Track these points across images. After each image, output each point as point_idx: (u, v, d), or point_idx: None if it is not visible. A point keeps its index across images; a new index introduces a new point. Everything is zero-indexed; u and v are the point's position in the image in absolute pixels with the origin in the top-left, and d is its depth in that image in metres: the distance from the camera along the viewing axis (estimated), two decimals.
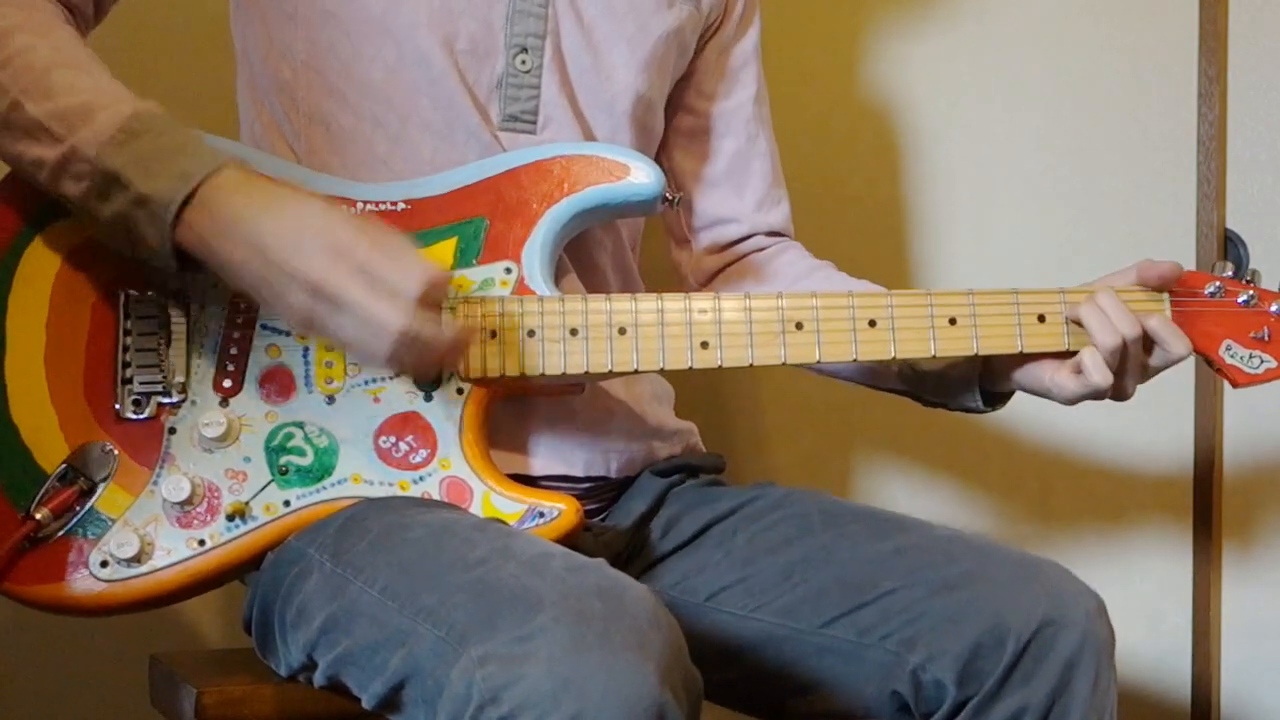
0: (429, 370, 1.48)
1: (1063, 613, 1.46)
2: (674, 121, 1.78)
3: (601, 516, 1.65)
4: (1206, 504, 2.37)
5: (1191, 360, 1.60)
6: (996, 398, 1.68)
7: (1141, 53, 2.38)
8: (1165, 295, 1.61)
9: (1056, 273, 2.30)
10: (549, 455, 1.60)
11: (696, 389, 1.88)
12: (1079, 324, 1.58)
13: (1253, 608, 2.38)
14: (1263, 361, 1.61)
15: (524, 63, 1.60)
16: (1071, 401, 1.60)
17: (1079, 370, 1.57)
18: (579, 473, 1.62)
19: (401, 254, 1.39)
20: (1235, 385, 1.62)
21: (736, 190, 1.80)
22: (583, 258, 1.64)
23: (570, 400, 1.60)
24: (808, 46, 2.27)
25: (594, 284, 1.65)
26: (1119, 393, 1.59)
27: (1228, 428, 2.38)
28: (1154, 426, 2.36)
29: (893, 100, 2.30)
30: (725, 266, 1.82)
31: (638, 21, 1.66)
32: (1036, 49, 2.35)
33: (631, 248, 1.73)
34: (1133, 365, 1.58)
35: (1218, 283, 1.61)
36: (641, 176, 1.54)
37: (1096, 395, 1.58)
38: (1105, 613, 1.49)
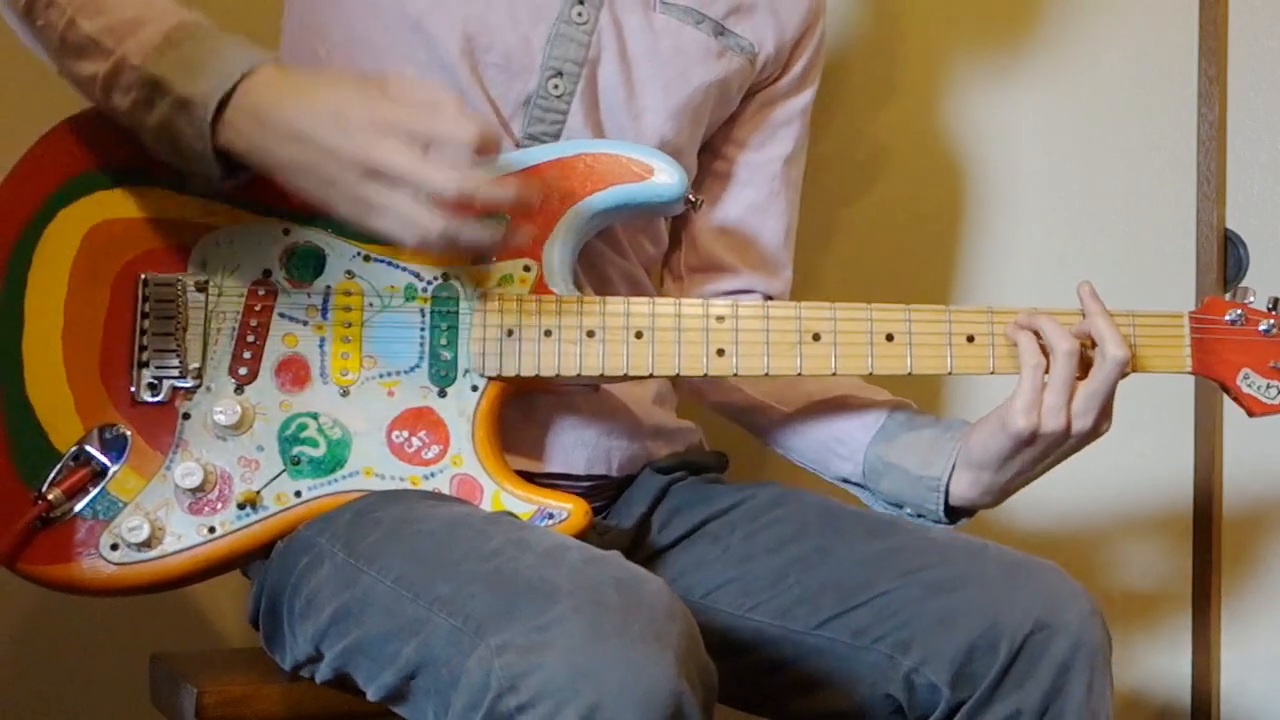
0: (489, 241, 1.42)
1: (1056, 616, 1.45)
2: (703, 163, 1.74)
3: (603, 515, 1.65)
4: (1206, 514, 2.35)
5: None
6: (959, 514, 1.65)
7: (1141, 53, 2.38)
8: (1185, 317, 1.60)
9: (1056, 272, 2.31)
10: (551, 453, 1.60)
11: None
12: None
13: (1252, 613, 2.38)
14: None
15: (556, 87, 1.58)
16: (1026, 440, 1.56)
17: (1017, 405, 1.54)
18: (580, 471, 1.61)
19: (446, 108, 1.37)
20: (1251, 414, 1.61)
21: (743, 242, 1.76)
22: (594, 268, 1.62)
23: (573, 398, 1.60)
24: None
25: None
26: (1084, 428, 1.55)
27: (1228, 430, 2.38)
28: (1155, 436, 2.34)
29: (892, 100, 2.30)
30: None
31: (679, 68, 1.63)
32: (1037, 49, 2.34)
33: (646, 270, 1.70)
34: (1068, 387, 1.55)
35: (1239, 310, 1.59)
36: (665, 177, 1.53)
37: (1049, 431, 1.54)
38: (1100, 615, 1.48)
